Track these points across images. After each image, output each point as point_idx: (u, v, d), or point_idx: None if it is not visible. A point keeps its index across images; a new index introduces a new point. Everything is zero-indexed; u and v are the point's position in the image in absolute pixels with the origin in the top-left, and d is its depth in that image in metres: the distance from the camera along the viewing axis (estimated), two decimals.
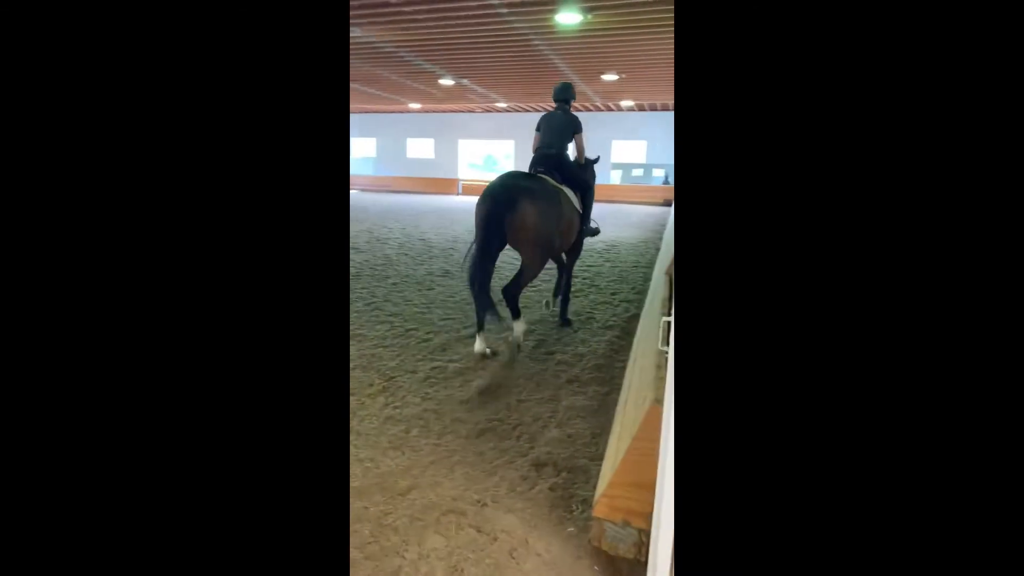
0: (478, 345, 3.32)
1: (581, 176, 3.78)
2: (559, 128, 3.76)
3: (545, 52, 8.57)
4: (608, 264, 6.81)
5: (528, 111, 17.89)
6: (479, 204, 3.18)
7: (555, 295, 4.10)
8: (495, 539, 1.76)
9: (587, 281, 5.76)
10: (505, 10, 6.39)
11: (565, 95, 3.93)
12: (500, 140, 19.36)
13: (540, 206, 3.12)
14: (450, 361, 3.37)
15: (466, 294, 4.02)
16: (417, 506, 1.93)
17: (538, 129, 3.89)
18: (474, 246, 3.18)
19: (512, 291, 3.25)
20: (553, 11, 6.33)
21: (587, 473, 2.18)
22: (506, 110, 17.82)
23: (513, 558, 1.68)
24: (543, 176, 3.45)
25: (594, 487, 2.06)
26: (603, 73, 10.26)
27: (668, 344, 1.44)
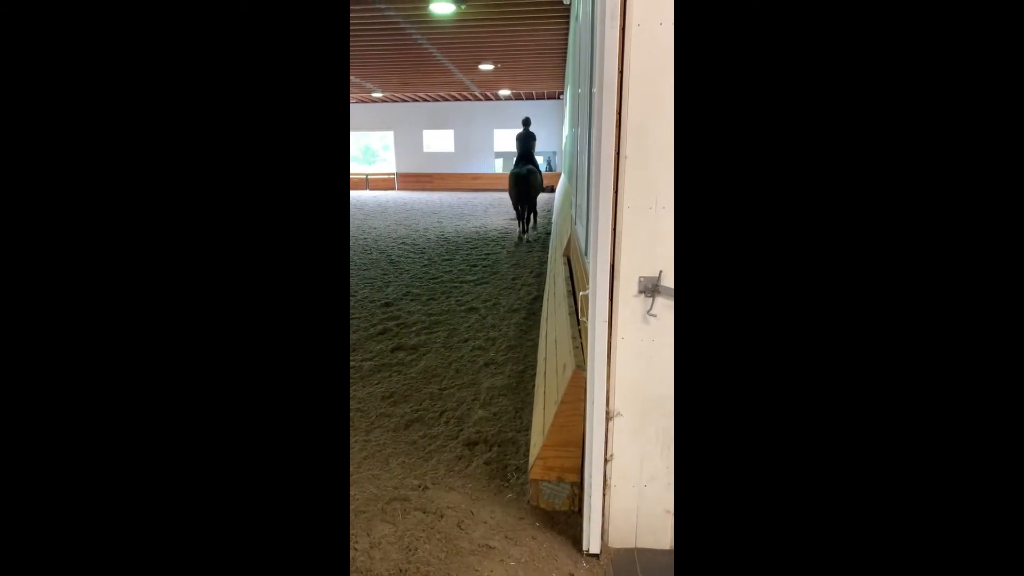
0: (521, 236, 7.91)
1: (537, 163, 8.27)
2: (527, 140, 8.09)
3: (420, 41, 8.50)
4: (505, 252, 7.05)
5: (407, 101, 17.53)
6: (511, 180, 7.66)
7: (531, 228, 8.42)
8: (442, 516, 1.87)
9: (488, 269, 5.93)
10: None
11: (528, 122, 8.27)
12: (379, 131, 18.79)
13: (533, 180, 7.66)
14: (364, 360, 3.35)
15: (367, 291, 5.12)
16: (359, 500, 1.96)
17: (517, 140, 8.15)
18: (512, 199, 7.80)
19: (528, 219, 7.98)
20: (427, 0, 6.32)
21: (516, 444, 2.35)
22: (383, 100, 17.30)
23: (461, 529, 1.80)
24: (529, 166, 7.80)
25: (525, 455, 2.24)
26: (479, 63, 10.41)
27: (586, 315, 1.63)
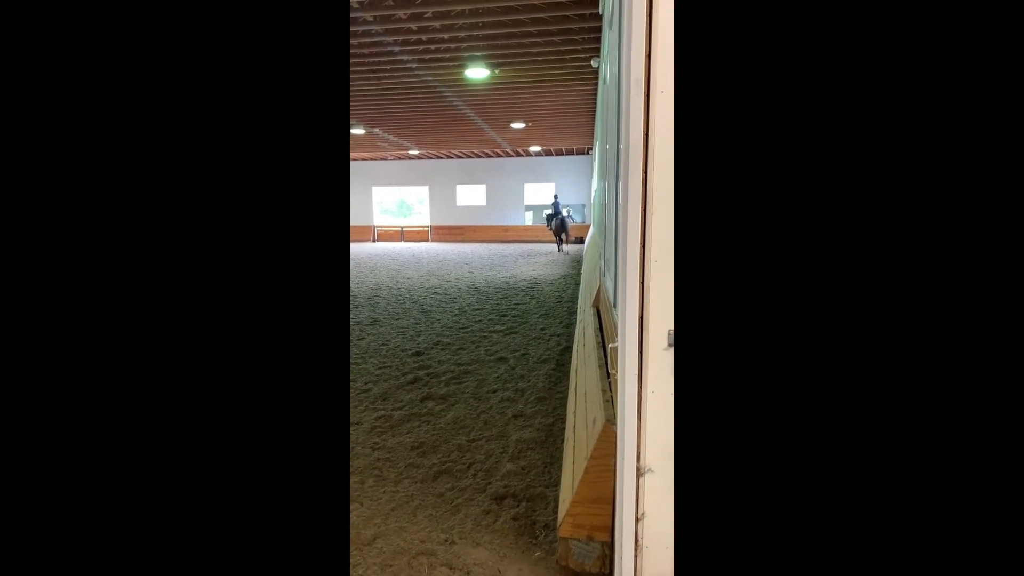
0: (560, 250, 16.12)
1: (563, 216, 16.31)
2: (557, 205, 16.55)
3: (455, 103, 8.97)
4: (534, 302, 7.09)
5: (441, 157, 18.30)
6: (551, 221, 16.49)
7: (564, 246, 16.52)
8: (468, 573, 1.83)
9: (517, 319, 5.97)
10: (415, 65, 6.69)
11: (556, 197, 17.38)
12: (414, 186, 19.55)
13: (566, 222, 16.33)
14: (395, 409, 3.37)
15: (399, 340, 5.23)
16: (386, 553, 1.94)
17: (551, 206, 16.88)
18: (554, 230, 16.27)
19: (565, 242, 16.45)
20: (462, 66, 6.72)
21: (545, 500, 2.30)
22: (418, 157, 18.10)
23: None
24: (564, 216, 16.28)
25: (554, 511, 2.19)
26: (511, 122, 10.86)
27: (615, 367, 1.64)
